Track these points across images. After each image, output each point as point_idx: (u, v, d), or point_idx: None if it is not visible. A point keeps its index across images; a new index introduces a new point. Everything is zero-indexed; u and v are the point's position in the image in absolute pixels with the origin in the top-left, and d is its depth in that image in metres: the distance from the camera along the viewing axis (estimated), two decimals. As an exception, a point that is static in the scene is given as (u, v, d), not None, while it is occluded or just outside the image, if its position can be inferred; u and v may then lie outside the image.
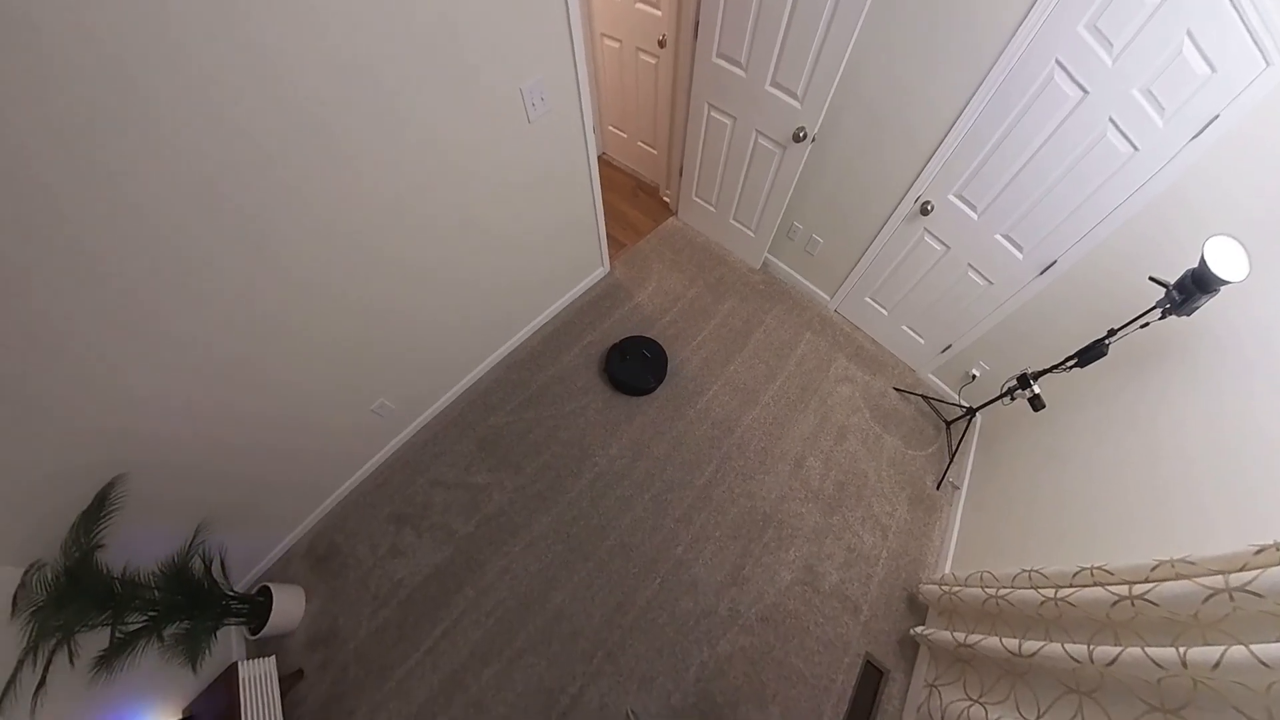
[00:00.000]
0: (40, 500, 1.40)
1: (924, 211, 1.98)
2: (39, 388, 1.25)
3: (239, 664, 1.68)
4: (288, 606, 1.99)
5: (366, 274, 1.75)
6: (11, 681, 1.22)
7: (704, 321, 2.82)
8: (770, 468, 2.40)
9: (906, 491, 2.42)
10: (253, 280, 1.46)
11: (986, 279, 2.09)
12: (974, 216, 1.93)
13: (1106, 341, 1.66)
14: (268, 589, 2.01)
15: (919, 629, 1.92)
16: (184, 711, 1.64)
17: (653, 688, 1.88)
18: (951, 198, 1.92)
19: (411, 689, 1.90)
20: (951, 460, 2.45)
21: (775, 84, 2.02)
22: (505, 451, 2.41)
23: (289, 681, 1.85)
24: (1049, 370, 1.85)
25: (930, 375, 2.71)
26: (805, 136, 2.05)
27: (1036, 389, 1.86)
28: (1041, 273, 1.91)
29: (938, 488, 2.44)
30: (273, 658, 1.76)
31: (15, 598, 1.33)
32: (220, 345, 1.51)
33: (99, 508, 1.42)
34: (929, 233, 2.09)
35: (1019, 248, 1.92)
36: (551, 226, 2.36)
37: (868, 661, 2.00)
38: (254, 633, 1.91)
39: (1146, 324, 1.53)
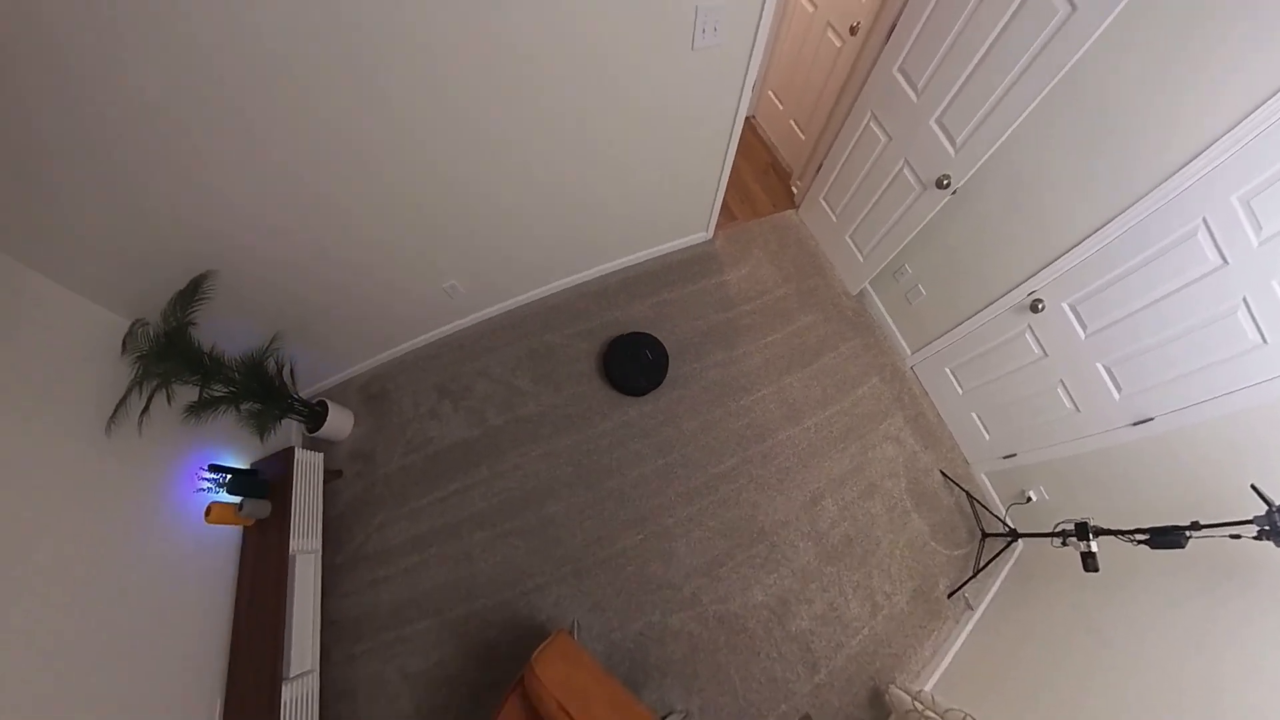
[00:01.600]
0: (146, 271, 1.87)
1: (1034, 308, 2.12)
2: (149, 176, 1.58)
3: (295, 449, 2.30)
4: (339, 422, 2.62)
5: (476, 154, 1.94)
6: (123, 401, 1.82)
7: (781, 324, 3.08)
8: (786, 490, 2.63)
9: (914, 583, 2.51)
10: (361, 127, 1.66)
11: (1075, 404, 2.18)
12: (1081, 335, 2.05)
13: (1187, 534, 1.61)
14: (325, 403, 2.63)
15: (872, 730, 2.02)
16: (250, 465, 2.29)
17: (602, 616, 2.35)
18: (1065, 306, 2.05)
19: (420, 519, 2.56)
20: (974, 575, 2.45)
21: (939, 122, 2.17)
22: (551, 369, 2.87)
23: (330, 476, 2.51)
24: (1114, 533, 1.81)
25: (983, 475, 2.79)
26: (948, 186, 2.21)
27: (1094, 547, 1.81)
28: (1134, 424, 1.97)
29: (949, 596, 2.48)
30: (321, 455, 2.42)
31: (124, 342, 1.92)
32: (315, 181, 1.79)
33: (193, 291, 1.91)
34: (1032, 331, 2.23)
35: (1118, 387, 2.01)
36: (672, 170, 2.55)
37: (804, 724, 2.17)
38: (310, 431, 2.55)
39: (1237, 536, 1.50)
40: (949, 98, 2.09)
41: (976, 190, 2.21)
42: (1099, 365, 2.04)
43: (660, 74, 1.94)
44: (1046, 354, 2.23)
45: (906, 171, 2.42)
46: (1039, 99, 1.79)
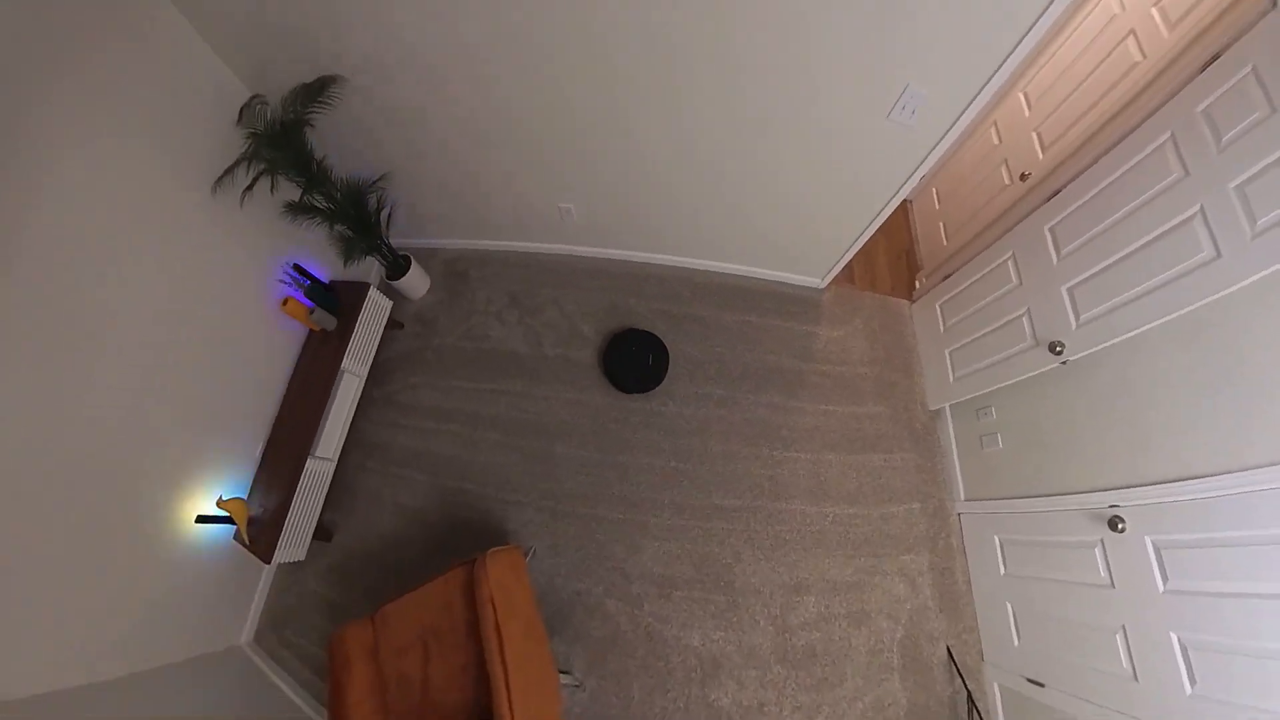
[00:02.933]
0: (279, 46, 1.92)
1: (1112, 525, 1.92)
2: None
3: (370, 287, 2.47)
4: (416, 282, 2.78)
5: (653, 93, 2.00)
6: (230, 170, 1.94)
7: (847, 401, 2.95)
8: (775, 561, 2.50)
9: (867, 754, 2.21)
10: (549, 9, 1.69)
11: (1133, 668, 1.82)
12: (1159, 585, 1.77)
13: None
14: (410, 259, 2.78)
15: None
16: (328, 282, 2.46)
17: (554, 559, 2.48)
18: (1148, 540, 1.85)
19: (449, 395, 2.87)
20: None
21: (1070, 291, 2.15)
22: (618, 329, 2.91)
23: (392, 324, 2.73)
24: None
25: (996, 685, 2.37)
26: (1059, 353, 2.12)
27: None
28: (1202, 731, 1.60)
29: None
30: (391, 303, 2.61)
31: (241, 113, 1.99)
32: (478, 40, 1.80)
33: (319, 89, 1.96)
34: (1104, 549, 2.00)
35: (1193, 678, 1.66)
36: (817, 209, 2.60)
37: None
38: (389, 278, 2.72)
39: None
40: (1086, 275, 2.09)
41: (1087, 371, 2.11)
42: (1174, 635, 1.71)
43: (848, 123, 2.04)
44: (1114, 585, 1.94)
45: (1025, 320, 2.37)
46: (1167, 319, 1.77)
